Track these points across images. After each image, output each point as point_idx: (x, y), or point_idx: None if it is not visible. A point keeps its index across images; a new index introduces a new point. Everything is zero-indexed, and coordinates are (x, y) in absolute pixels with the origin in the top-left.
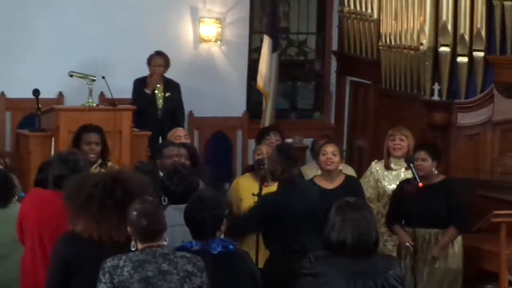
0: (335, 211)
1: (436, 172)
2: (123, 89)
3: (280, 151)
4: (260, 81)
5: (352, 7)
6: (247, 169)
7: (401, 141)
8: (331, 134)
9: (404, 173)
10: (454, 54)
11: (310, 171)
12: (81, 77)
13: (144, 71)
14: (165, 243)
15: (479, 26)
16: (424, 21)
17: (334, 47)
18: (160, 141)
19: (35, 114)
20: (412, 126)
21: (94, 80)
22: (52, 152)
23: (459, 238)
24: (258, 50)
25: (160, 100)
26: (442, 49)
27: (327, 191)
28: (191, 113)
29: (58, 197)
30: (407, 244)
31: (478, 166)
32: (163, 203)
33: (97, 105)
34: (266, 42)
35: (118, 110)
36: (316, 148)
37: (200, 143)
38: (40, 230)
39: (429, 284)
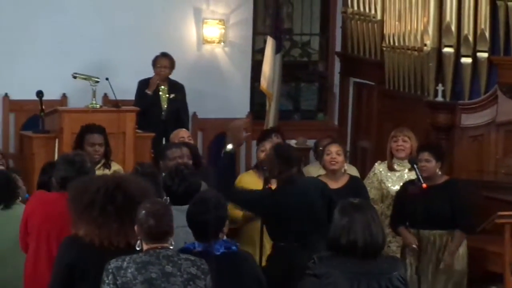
0: (341, 212)
1: (439, 173)
2: (127, 91)
3: (277, 152)
4: (264, 82)
5: (355, 8)
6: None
7: (404, 142)
8: (334, 135)
9: (408, 174)
10: (458, 55)
11: (314, 170)
12: (85, 79)
13: (148, 72)
14: (171, 247)
15: (483, 27)
16: (428, 22)
17: (338, 48)
18: (164, 142)
19: (38, 115)
20: (415, 127)
21: (97, 82)
22: (56, 154)
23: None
24: (261, 51)
25: (165, 102)
26: (446, 50)
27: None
28: (194, 114)
29: (63, 199)
30: (414, 246)
31: (482, 167)
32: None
33: (101, 106)
34: (270, 43)
35: (122, 112)
36: (319, 149)
37: (204, 145)
38: (45, 232)
39: (434, 285)
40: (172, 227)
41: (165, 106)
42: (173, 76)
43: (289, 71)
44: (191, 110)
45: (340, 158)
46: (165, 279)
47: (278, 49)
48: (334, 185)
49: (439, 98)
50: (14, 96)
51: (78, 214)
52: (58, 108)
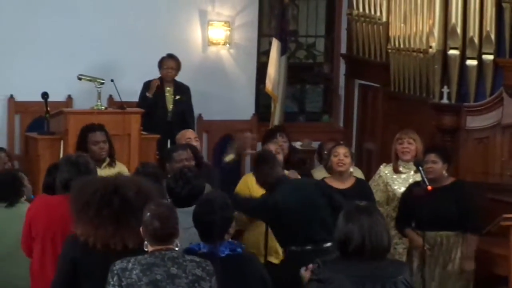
0: (347, 216)
1: (446, 174)
2: (132, 92)
3: (257, 162)
4: (269, 84)
5: (361, 10)
6: None
7: (409, 144)
8: (339, 137)
9: (413, 176)
10: (463, 57)
11: (320, 174)
12: (90, 80)
13: (153, 74)
14: (176, 248)
15: (488, 29)
16: (433, 24)
17: (343, 50)
18: (169, 144)
19: (44, 117)
20: (421, 129)
21: (103, 83)
22: (61, 155)
23: None
24: (266, 53)
25: (170, 103)
26: (451, 52)
27: (338, 191)
28: (200, 116)
29: (66, 201)
30: (425, 248)
31: (487, 170)
32: None
33: (106, 108)
34: (275, 45)
35: (127, 113)
36: (323, 151)
37: (209, 146)
38: (51, 235)
39: (440, 287)
40: (177, 229)
41: (171, 107)
42: (178, 77)
43: (294, 73)
44: (196, 111)
45: (348, 160)
46: (170, 280)
47: (283, 51)
48: (340, 186)
49: (445, 100)
50: (20, 97)
51: (77, 213)
52: (63, 109)
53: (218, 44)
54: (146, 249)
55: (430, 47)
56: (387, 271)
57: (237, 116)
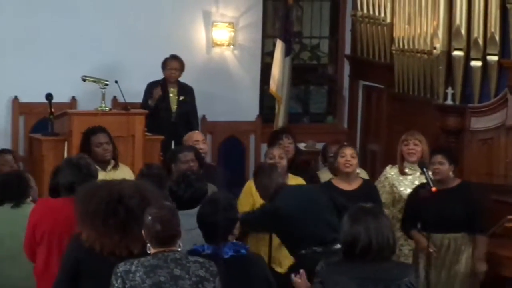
0: (353, 217)
1: (452, 176)
2: (136, 94)
3: (255, 176)
4: (273, 85)
5: (365, 11)
6: None
7: (415, 146)
8: (344, 138)
9: (419, 178)
10: (467, 58)
11: (325, 175)
12: (94, 82)
13: (157, 75)
14: (179, 249)
15: (493, 30)
16: (438, 25)
17: (347, 51)
18: (173, 145)
19: (48, 118)
20: (425, 130)
21: (107, 85)
22: (65, 156)
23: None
24: (271, 54)
25: (174, 104)
26: (456, 53)
27: (345, 192)
28: (204, 117)
29: (70, 204)
30: (431, 250)
31: (491, 171)
32: None
33: (110, 109)
34: (279, 46)
35: (131, 115)
36: (327, 153)
37: (213, 148)
38: (57, 238)
39: None
40: (179, 230)
41: (175, 108)
42: (182, 79)
43: (299, 74)
44: (200, 113)
45: (355, 161)
46: (174, 282)
47: (287, 52)
48: (347, 187)
49: (449, 102)
50: (24, 98)
51: (82, 222)
52: (67, 110)
53: (222, 45)
54: (148, 252)
55: (435, 48)
56: (392, 273)
57: (241, 117)
